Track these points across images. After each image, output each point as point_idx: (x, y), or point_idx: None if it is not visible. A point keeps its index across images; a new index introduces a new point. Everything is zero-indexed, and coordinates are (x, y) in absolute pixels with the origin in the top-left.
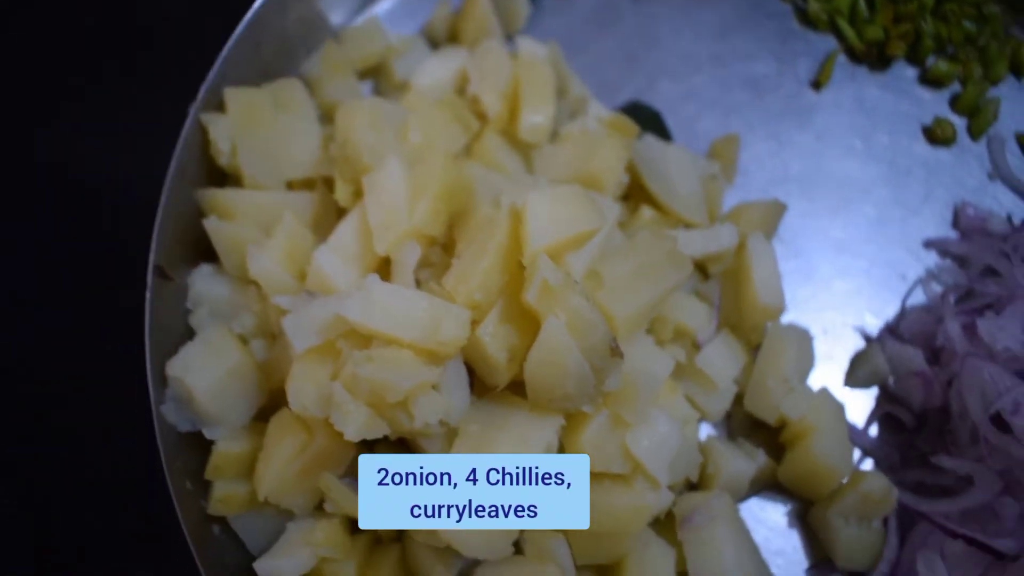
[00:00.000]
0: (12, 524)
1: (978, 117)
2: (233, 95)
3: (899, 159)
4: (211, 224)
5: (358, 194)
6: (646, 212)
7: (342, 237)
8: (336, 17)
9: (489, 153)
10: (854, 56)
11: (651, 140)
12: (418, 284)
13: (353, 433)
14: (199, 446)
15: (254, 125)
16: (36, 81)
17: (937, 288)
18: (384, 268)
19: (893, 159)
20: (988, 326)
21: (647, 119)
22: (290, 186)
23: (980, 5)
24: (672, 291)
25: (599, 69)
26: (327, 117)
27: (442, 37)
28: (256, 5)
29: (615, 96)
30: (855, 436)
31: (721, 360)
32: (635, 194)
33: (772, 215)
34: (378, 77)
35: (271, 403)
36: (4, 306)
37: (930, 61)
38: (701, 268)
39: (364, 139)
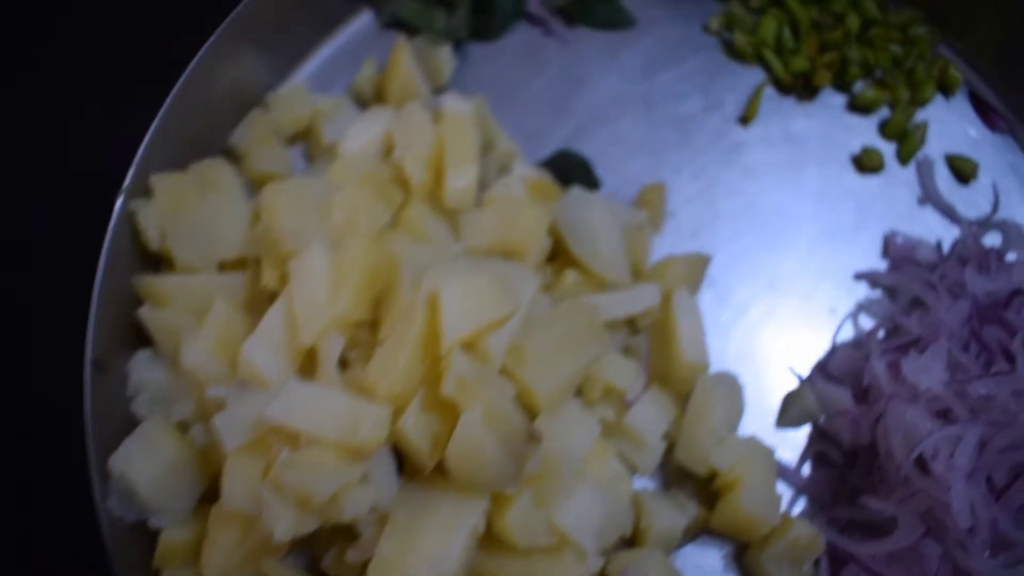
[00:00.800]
0: None
1: (906, 142)
2: (159, 181)
3: (829, 190)
4: (145, 312)
5: (284, 278)
6: (570, 275)
7: (270, 325)
8: (262, 83)
9: (415, 223)
10: (781, 88)
11: (576, 194)
12: (347, 366)
13: (282, 534)
14: (145, 534)
15: (182, 209)
16: None
17: (867, 322)
18: (313, 356)
19: (823, 191)
20: (912, 365)
21: (575, 168)
22: (222, 266)
23: (906, 28)
24: (594, 361)
25: (528, 117)
26: (257, 187)
27: (369, 96)
28: (178, 85)
29: (544, 144)
30: (787, 475)
31: (651, 417)
32: (561, 254)
33: (697, 267)
34: (308, 141)
35: (214, 487)
36: None
37: (857, 87)
38: (630, 322)
39: (286, 224)
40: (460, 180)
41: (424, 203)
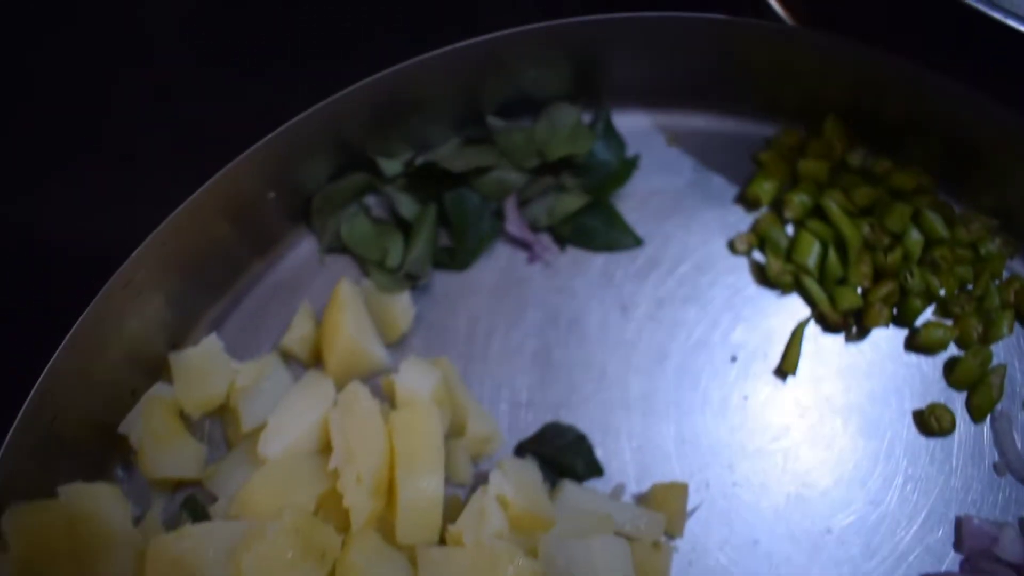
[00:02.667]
0: None
1: (979, 392)
2: (15, 517)
3: (884, 458)
4: None
5: None
6: None
7: None
8: (164, 340)
9: (361, 568)
10: (826, 325)
11: (572, 505)
12: None
13: None
14: None
15: (44, 558)
16: None
17: None
18: None
19: (876, 458)
20: None
21: (569, 450)
22: None
23: (977, 245)
24: None
25: (507, 373)
26: (157, 488)
27: (304, 356)
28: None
29: (529, 410)
30: None
31: None
32: None
33: None
34: (224, 420)
35: None
36: None
37: (918, 321)
38: None
39: None
40: (418, 500)
41: (371, 537)
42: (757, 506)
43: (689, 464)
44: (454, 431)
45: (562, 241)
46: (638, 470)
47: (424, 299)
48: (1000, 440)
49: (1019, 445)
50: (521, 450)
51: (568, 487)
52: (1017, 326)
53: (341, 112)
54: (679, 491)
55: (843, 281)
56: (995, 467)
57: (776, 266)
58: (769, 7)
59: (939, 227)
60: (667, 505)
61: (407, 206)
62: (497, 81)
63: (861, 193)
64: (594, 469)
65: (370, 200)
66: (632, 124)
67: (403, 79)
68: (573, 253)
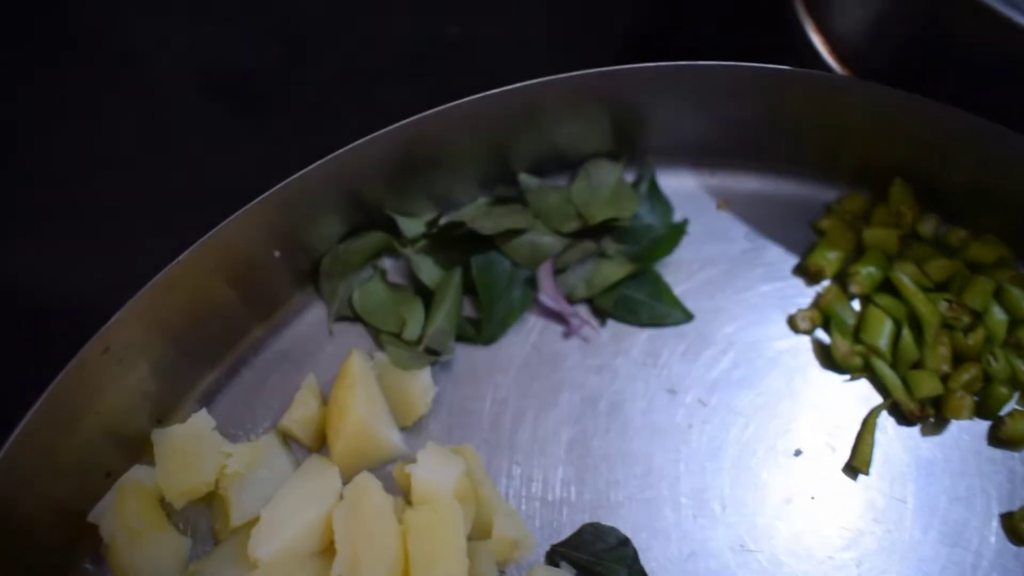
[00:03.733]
0: None
1: None
2: None
3: (972, 573)
4: None
5: None
6: None
7: None
8: (147, 415)
9: None
10: (901, 416)
11: None
12: None
13: None
14: None
15: None
16: None
17: None
18: None
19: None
20: None
21: (611, 554)
22: None
23: None
24: None
25: (539, 463)
26: None
27: (306, 438)
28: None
29: (564, 510)
30: None
31: None
32: None
33: None
34: (211, 511)
35: None
36: None
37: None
38: None
39: None
40: None
41: None
42: None
43: (750, 570)
44: (478, 532)
45: (602, 315)
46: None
47: (445, 377)
48: None
49: None
50: (554, 555)
51: None
52: None
53: (355, 165)
54: None
55: (919, 365)
56: None
57: (844, 347)
58: (819, 57)
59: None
60: None
61: (428, 271)
62: (529, 135)
63: (936, 266)
64: None
65: (387, 264)
66: (678, 185)
67: (423, 131)
68: (614, 328)
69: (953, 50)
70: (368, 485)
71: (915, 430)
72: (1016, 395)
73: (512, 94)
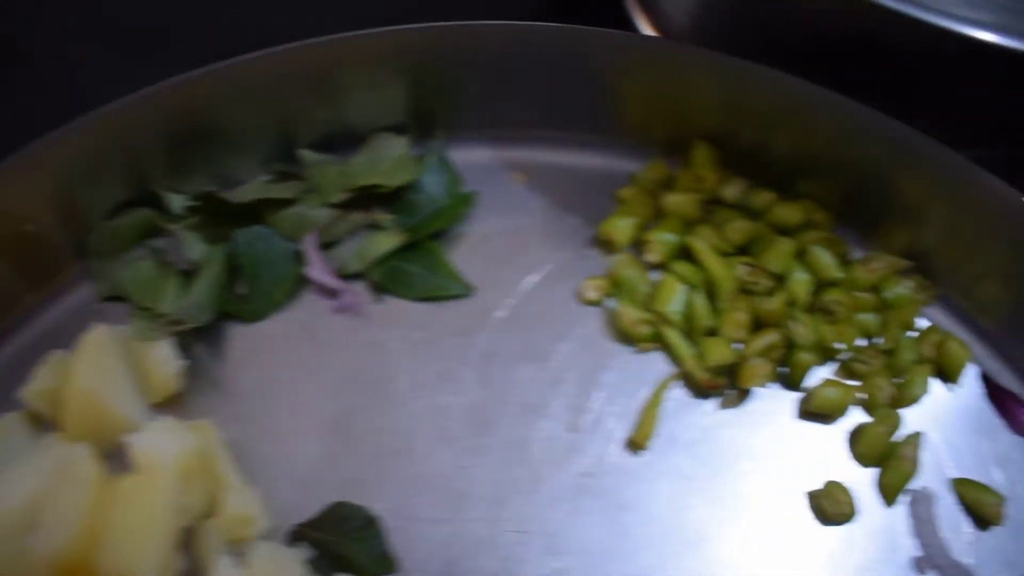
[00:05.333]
0: None
1: (891, 469)
2: None
3: (770, 554)
4: None
5: None
6: None
7: None
8: None
9: None
10: (694, 388)
11: None
12: None
13: None
14: None
15: None
16: None
17: None
18: None
19: (760, 555)
20: None
21: (354, 537)
22: None
23: (881, 287)
24: None
25: (295, 441)
26: None
27: (52, 412)
28: None
29: (315, 489)
30: None
31: None
32: None
33: None
34: None
35: None
36: None
37: (810, 380)
38: None
39: None
40: None
41: None
42: None
43: (513, 558)
44: (212, 510)
45: (378, 289)
46: (445, 565)
47: (213, 354)
48: (920, 528)
49: (944, 535)
50: (296, 535)
51: None
52: (941, 387)
53: (122, 127)
54: None
55: (714, 333)
56: (917, 563)
57: (629, 315)
58: (634, 25)
59: (830, 266)
60: None
61: (195, 248)
62: (314, 106)
63: (734, 228)
64: (384, 563)
65: (162, 243)
66: (475, 159)
67: (194, 92)
68: (392, 304)
69: (774, 23)
70: (76, 455)
71: (713, 403)
72: (832, 367)
73: (290, 54)
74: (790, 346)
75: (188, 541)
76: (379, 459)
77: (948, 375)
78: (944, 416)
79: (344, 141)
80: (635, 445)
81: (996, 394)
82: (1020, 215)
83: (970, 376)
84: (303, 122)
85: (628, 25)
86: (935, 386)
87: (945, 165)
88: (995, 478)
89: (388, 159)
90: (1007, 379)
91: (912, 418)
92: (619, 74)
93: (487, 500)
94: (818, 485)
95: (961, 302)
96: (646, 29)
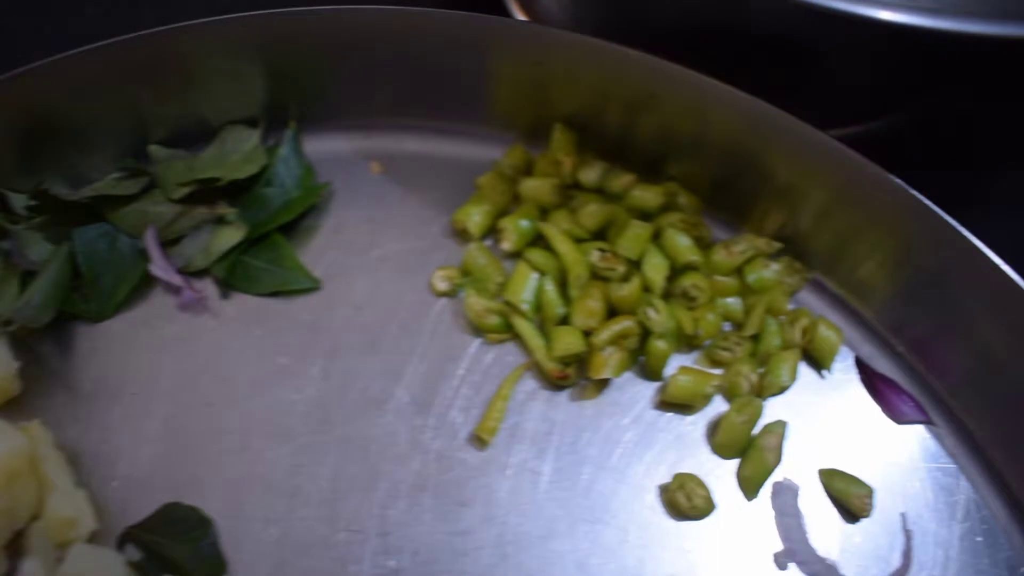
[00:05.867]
0: None
1: (752, 460)
2: None
3: (621, 550)
4: None
5: None
6: None
7: None
8: None
9: None
10: (546, 379)
11: None
12: None
13: None
14: None
15: None
16: None
17: None
18: None
19: (608, 560)
20: None
21: (184, 536)
22: None
23: (745, 271)
24: None
25: (129, 441)
26: None
27: None
28: None
29: (148, 491)
30: None
31: None
32: None
33: None
34: None
35: None
36: None
37: (669, 369)
38: None
39: None
40: None
41: None
42: None
43: (346, 558)
44: (41, 511)
45: (223, 285)
46: (275, 566)
47: (58, 354)
48: (783, 522)
49: (808, 528)
50: (128, 538)
51: None
52: (813, 375)
53: None
54: None
55: (564, 320)
56: (776, 558)
57: (477, 305)
58: (508, 10)
59: (685, 249)
60: None
61: (37, 248)
62: (163, 97)
63: (587, 213)
64: (214, 565)
65: (7, 244)
66: (332, 150)
67: (37, 86)
68: (238, 299)
69: (645, 7)
70: None
71: (568, 396)
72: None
73: (137, 43)
74: (647, 334)
75: (18, 544)
76: (215, 458)
77: (820, 361)
78: (815, 404)
79: (197, 136)
80: (479, 440)
81: (871, 381)
82: (891, 195)
83: (845, 363)
84: (154, 116)
85: (501, 11)
86: (807, 373)
87: (814, 146)
88: (866, 469)
89: (239, 152)
90: (883, 365)
91: (780, 407)
92: (484, 60)
93: (322, 499)
94: (669, 480)
95: (837, 287)
96: (519, 15)
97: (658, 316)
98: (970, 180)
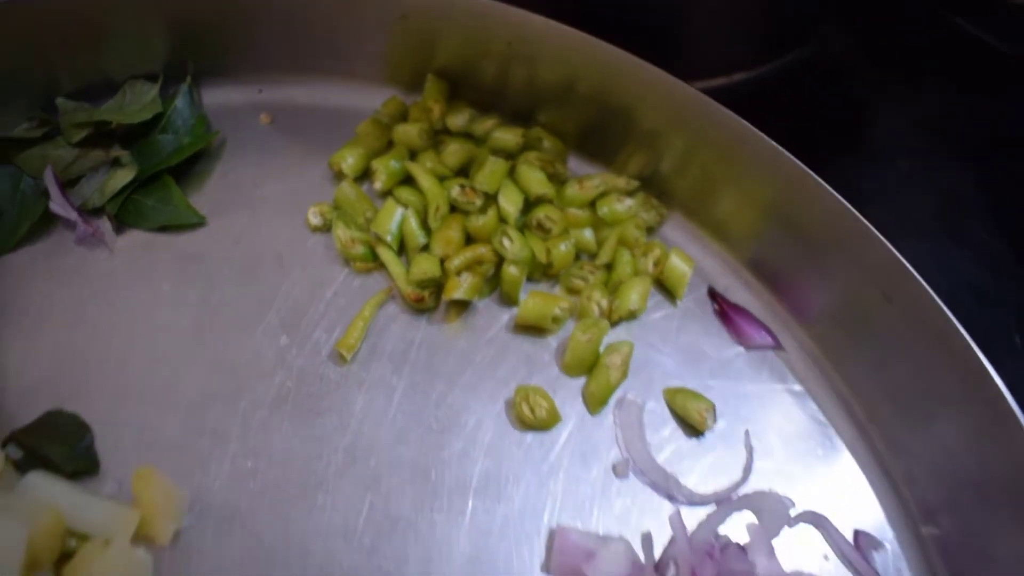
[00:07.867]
0: None
1: (594, 377)
2: None
3: (461, 461)
4: None
5: None
6: None
7: None
8: None
9: None
10: (408, 303)
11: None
12: None
13: None
14: None
15: None
16: None
17: None
18: None
19: (448, 469)
20: None
21: (62, 439)
22: None
23: (597, 205)
24: None
25: (19, 360)
26: None
27: None
28: None
29: (37, 400)
30: None
31: None
32: None
33: None
34: None
35: None
36: None
37: (524, 295)
38: None
39: None
40: None
41: None
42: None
43: (206, 458)
44: None
45: (117, 220)
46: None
47: None
48: (625, 434)
49: (648, 441)
50: (10, 439)
51: (31, 478)
52: (668, 305)
53: None
54: (169, 494)
55: (424, 248)
56: (615, 468)
57: (345, 235)
58: None
59: (537, 181)
60: (153, 506)
61: None
62: (71, 53)
63: (451, 151)
64: (87, 464)
65: None
66: (226, 102)
67: None
68: (132, 235)
69: None
70: None
71: (428, 319)
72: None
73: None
74: (499, 264)
75: None
76: (97, 373)
77: (672, 291)
78: (667, 331)
79: (103, 91)
80: (340, 357)
81: (723, 310)
82: (748, 143)
83: (699, 293)
84: (64, 72)
85: None
86: (662, 303)
87: (675, 95)
88: (713, 390)
89: (138, 103)
90: (740, 296)
91: (633, 333)
92: (373, 16)
93: (190, 409)
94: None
95: (697, 225)
96: None
97: (511, 244)
98: (828, 132)
